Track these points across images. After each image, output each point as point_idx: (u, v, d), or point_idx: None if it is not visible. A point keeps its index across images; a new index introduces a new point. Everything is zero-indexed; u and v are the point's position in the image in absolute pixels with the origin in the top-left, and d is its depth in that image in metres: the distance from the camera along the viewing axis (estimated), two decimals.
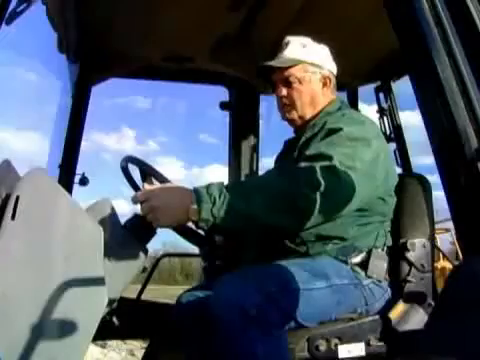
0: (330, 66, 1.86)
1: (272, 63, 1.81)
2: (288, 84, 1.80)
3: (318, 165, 1.41)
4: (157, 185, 1.42)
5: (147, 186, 1.43)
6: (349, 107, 1.96)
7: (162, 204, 1.35)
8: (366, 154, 1.54)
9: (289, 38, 1.84)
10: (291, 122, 1.86)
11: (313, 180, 1.37)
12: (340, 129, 1.57)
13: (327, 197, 1.37)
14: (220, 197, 1.32)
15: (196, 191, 1.34)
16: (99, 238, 1.40)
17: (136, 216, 1.70)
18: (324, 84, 1.83)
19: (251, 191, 1.37)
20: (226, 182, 1.42)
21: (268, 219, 1.39)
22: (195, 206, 1.32)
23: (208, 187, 1.34)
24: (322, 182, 1.37)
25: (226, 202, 1.32)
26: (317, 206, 1.37)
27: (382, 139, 1.73)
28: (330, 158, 1.44)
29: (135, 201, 1.40)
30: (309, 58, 1.81)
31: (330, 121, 1.67)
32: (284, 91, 1.80)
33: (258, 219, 1.38)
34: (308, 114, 1.81)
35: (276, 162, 2.04)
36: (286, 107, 1.83)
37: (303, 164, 1.48)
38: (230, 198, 1.33)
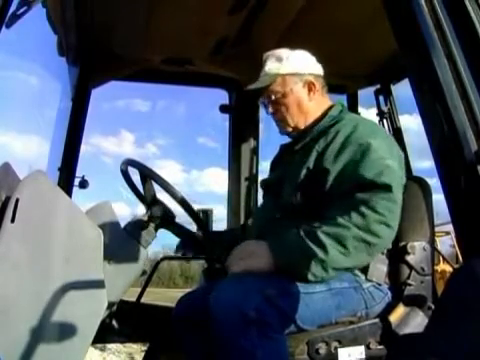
0: (312, 70, 1.84)
1: (252, 87, 1.82)
2: (273, 101, 1.80)
3: (378, 197, 1.49)
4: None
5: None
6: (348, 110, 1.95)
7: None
8: (396, 165, 1.61)
9: (267, 53, 1.84)
10: (287, 134, 1.87)
11: (378, 217, 1.47)
12: (369, 144, 1.59)
13: (389, 224, 1.49)
14: (298, 253, 1.48)
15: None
16: (99, 241, 1.40)
17: (136, 219, 1.70)
18: (309, 89, 1.82)
19: (326, 242, 1.45)
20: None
21: (348, 263, 1.51)
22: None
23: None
24: (386, 213, 1.48)
25: (304, 254, 1.46)
26: (386, 236, 1.50)
27: (394, 141, 1.79)
28: (387, 187, 1.50)
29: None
30: (285, 70, 1.80)
31: (345, 129, 1.66)
32: (271, 108, 1.81)
33: (338, 265, 1.49)
34: (301, 123, 1.81)
35: (272, 167, 2.03)
36: (279, 123, 1.84)
37: (360, 195, 1.51)
38: (308, 249, 1.46)
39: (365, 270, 1.64)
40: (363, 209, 1.47)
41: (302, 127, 1.81)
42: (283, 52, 1.82)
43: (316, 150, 1.69)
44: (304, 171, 1.67)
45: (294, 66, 1.81)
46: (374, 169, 1.54)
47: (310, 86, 1.82)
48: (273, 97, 1.79)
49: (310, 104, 1.81)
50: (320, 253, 1.44)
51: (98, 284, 1.39)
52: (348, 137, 1.64)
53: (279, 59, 1.81)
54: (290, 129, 1.82)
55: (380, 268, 1.66)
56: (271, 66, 1.80)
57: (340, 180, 1.59)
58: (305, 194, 1.64)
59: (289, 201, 1.67)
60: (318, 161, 1.66)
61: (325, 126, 1.75)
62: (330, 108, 1.82)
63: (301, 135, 1.81)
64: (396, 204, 1.51)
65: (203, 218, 2.39)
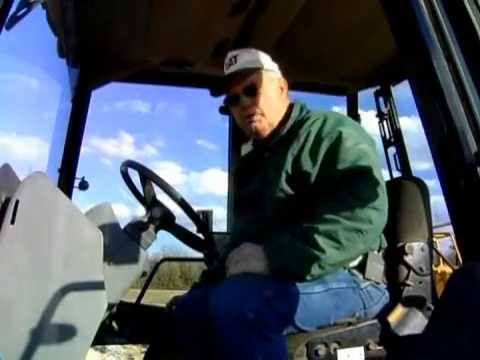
0: (279, 72, 1.84)
1: (233, 69, 1.75)
2: (251, 92, 1.73)
3: (360, 183, 1.50)
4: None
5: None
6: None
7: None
8: (369, 148, 1.61)
9: (237, 51, 1.79)
10: (260, 133, 1.78)
11: (364, 203, 1.46)
12: (340, 133, 1.59)
13: (377, 208, 1.48)
14: (293, 254, 1.46)
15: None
16: (99, 242, 1.40)
17: (136, 220, 1.70)
18: (281, 89, 1.81)
19: (319, 241, 1.44)
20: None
21: (345, 256, 1.50)
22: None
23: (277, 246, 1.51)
24: (371, 198, 1.46)
25: (300, 255, 1.46)
26: (376, 221, 1.48)
27: (361, 126, 1.82)
28: (367, 171, 1.51)
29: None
30: (265, 64, 1.78)
31: (315, 127, 1.66)
32: (248, 100, 1.73)
33: (335, 261, 1.48)
34: (275, 121, 1.77)
35: (241, 179, 1.95)
36: (254, 117, 1.74)
37: (343, 186, 1.50)
38: (302, 250, 1.45)
39: (362, 269, 1.64)
40: (348, 199, 1.47)
41: (275, 125, 1.77)
42: (254, 50, 1.81)
43: (291, 154, 1.66)
44: (284, 176, 1.64)
45: (270, 64, 1.81)
46: (351, 156, 1.55)
47: (282, 86, 1.81)
48: (252, 88, 1.74)
49: (280, 104, 1.80)
50: (315, 252, 1.43)
51: (98, 285, 1.39)
52: (319, 133, 1.64)
53: (253, 54, 1.79)
54: (266, 124, 1.75)
55: (377, 267, 1.66)
56: (248, 59, 1.76)
57: (322, 177, 1.59)
58: (289, 199, 1.63)
59: (274, 208, 1.66)
60: (296, 165, 1.64)
61: (291, 128, 1.74)
62: (291, 108, 1.80)
63: (268, 140, 1.78)
64: (379, 186, 1.51)
65: (203, 219, 2.40)
